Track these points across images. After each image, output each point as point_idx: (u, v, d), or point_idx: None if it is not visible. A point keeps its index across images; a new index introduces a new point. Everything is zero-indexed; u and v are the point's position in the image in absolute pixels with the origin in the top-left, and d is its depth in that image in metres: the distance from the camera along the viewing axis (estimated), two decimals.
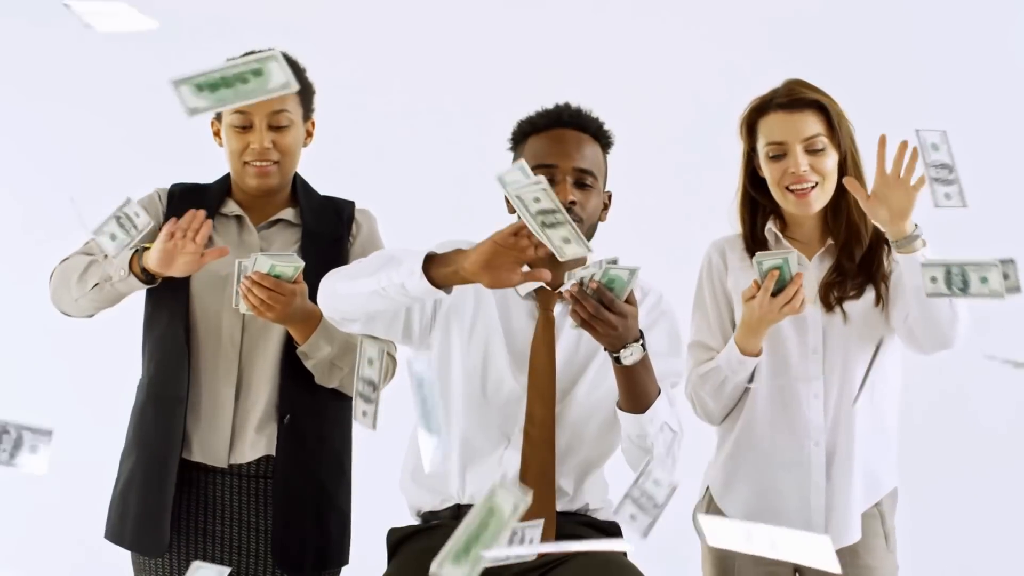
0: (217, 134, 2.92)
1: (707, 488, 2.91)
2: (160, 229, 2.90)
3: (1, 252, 4.47)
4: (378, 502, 2.97)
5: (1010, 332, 3.73)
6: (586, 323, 2.42)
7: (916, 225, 2.66)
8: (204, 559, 2.82)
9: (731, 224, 2.92)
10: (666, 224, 4.26)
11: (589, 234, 2.64)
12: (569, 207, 2.54)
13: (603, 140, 2.68)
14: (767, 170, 2.81)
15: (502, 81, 4.34)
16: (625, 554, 2.64)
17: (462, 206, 3.76)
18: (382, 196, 3.15)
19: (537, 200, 2.15)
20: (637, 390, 2.50)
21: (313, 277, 2.65)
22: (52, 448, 1.89)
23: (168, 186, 2.97)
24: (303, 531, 2.84)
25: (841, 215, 2.81)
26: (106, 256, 2.77)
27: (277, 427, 2.82)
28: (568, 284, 2.44)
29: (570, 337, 2.65)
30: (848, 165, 2.78)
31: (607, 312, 2.40)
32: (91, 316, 2.91)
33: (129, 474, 2.88)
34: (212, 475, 2.84)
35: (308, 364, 2.81)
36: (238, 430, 2.83)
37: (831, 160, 2.78)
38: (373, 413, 2.10)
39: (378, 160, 4.42)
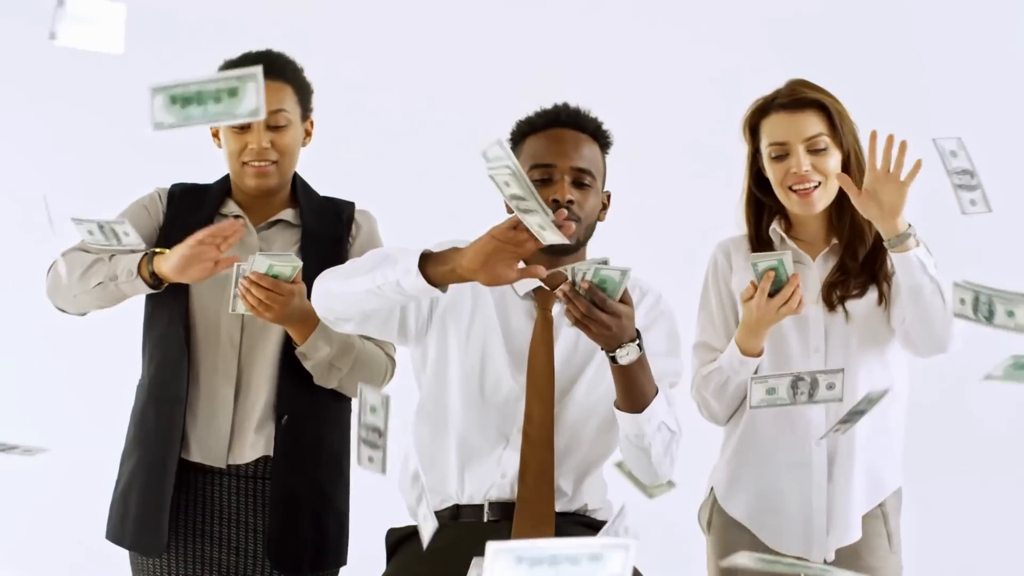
0: (215, 135, 2.92)
1: (711, 489, 2.91)
2: (159, 230, 2.89)
3: (0, 252, 4.46)
4: (377, 502, 2.96)
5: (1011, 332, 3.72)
6: (579, 322, 2.42)
7: (909, 224, 2.65)
8: (202, 560, 2.82)
9: (737, 225, 2.91)
10: (666, 224, 4.26)
11: (588, 234, 2.64)
12: (567, 206, 2.55)
13: (602, 140, 2.68)
14: (770, 170, 2.81)
15: (501, 81, 4.33)
16: None
17: (461, 206, 3.75)
18: (382, 196, 3.15)
19: (507, 184, 2.11)
20: (634, 390, 2.50)
21: (312, 277, 2.64)
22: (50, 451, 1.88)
23: (168, 186, 2.97)
24: (300, 532, 2.83)
25: (845, 214, 2.81)
26: (111, 257, 2.77)
27: (275, 428, 2.82)
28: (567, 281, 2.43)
29: (569, 337, 2.65)
30: (851, 164, 2.77)
31: (599, 312, 2.39)
32: (84, 314, 2.90)
33: (130, 475, 2.87)
34: (211, 476, 2.84)
35: (307, 365, 2.80)
36: (237, 430, 2.83)
37: (834, 159, 2.77)
38: (381, 459, 2.01)
39: (378, 160, 4.42)
